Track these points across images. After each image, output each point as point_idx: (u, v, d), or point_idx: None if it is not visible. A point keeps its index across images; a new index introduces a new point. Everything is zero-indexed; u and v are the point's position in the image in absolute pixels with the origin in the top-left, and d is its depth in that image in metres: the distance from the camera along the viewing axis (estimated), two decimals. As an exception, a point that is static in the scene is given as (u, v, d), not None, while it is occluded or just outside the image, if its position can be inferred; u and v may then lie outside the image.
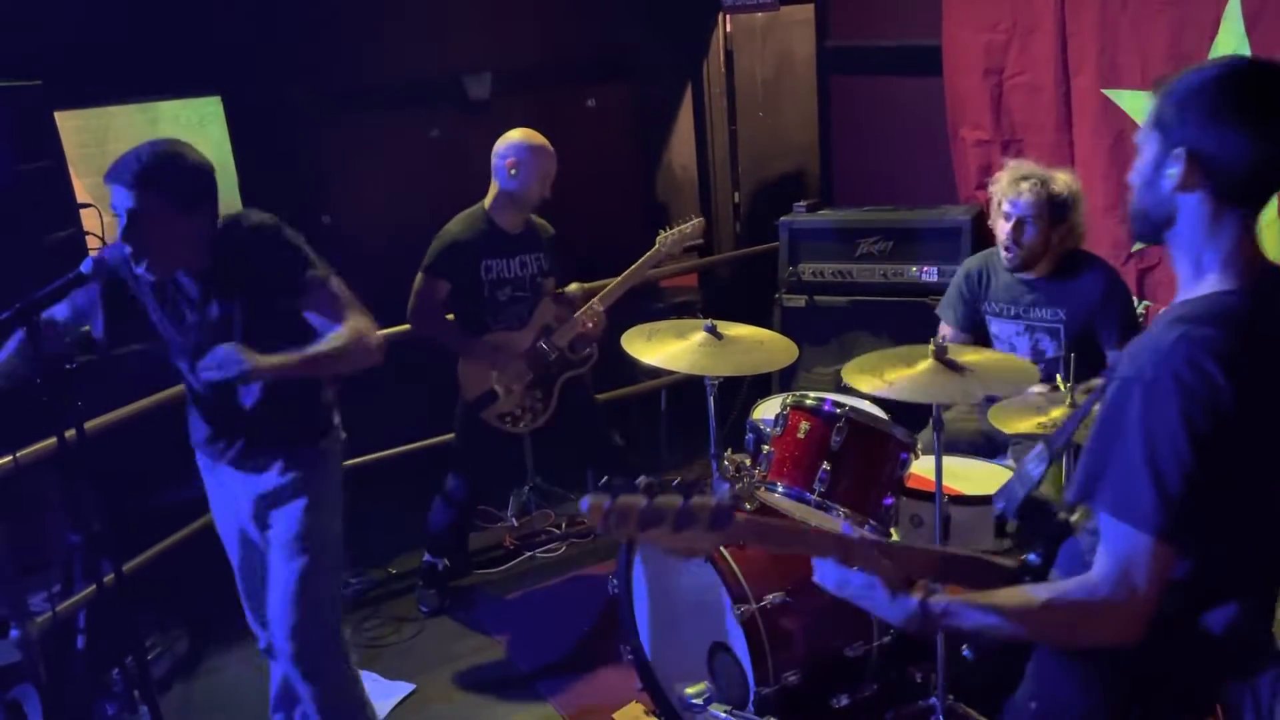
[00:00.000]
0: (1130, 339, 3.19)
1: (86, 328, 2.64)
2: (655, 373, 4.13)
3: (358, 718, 2.84)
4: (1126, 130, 3.86)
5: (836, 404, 2.76)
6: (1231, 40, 3.40)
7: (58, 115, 3.54)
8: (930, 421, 2.71)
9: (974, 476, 3.06)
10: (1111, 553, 1.41)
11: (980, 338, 3.46)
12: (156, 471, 3.60)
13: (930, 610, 1.50)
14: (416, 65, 4.85)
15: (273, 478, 2.65)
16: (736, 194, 5.87)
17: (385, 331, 2.75)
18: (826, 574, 1.57)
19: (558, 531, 4.47)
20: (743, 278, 5.58)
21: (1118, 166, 3.91)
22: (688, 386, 4.64)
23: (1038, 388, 2.82)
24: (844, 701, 2.77)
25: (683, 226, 3.90)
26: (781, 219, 4.68)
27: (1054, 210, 3.21)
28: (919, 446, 2.80)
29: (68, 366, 2.31)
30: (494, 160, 3.69)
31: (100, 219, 3.84)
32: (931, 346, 2.69)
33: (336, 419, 2.78)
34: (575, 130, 4.51)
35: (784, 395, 3.05)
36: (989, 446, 3.31)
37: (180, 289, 2.52)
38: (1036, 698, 1.68)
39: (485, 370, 3.76)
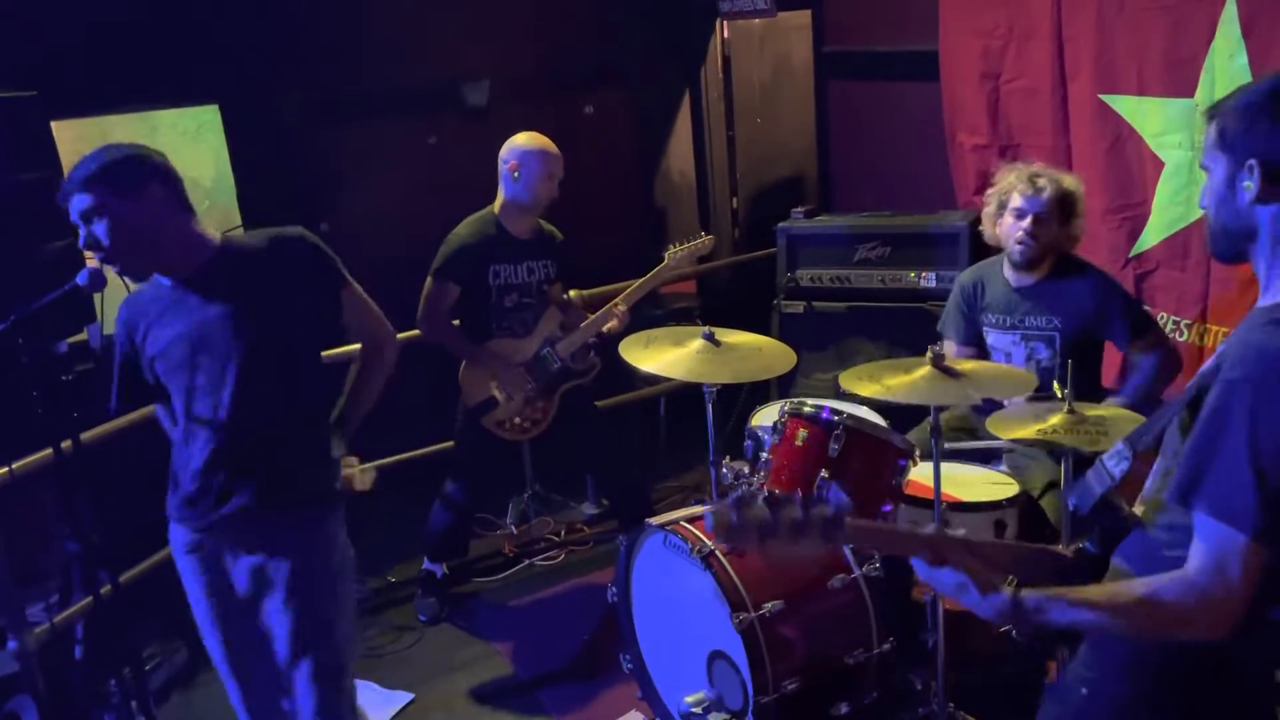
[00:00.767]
0: (1143, 329, 3.23)
1: (83, 336, 2.64)
2: (653, 380, 4.13)
3: None
4: (1123, 135, 3.85)
5: (834, 411, 2.76)
6: (1228, 45, 3.39)
7: (54, 125, 3.52)
8: (923, 421, 2.71)
9: (972, 483, 3.06)
10: (1209, 551, 1.44)
11: (983, 354, 3.44)
12: (153, 482, 3.59)
13: (1024, 605, 1.51)
14: (415, 72, 4.85)
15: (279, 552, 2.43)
16: (735, 200, 5.87)
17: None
18: (921, 573, 1.59)
19: (557, 539, 4.47)
20: (741, 284, 5.58)
21: (1115, 171, 3.91)
22: (686, 393, 4.64)
23: (1019, 399, 2.85)
24: (844, 709, 2.77)
25: (693, 243, 3.89)
26: (779, 225, 4.69)
27: (1065, 208, 3.23)
28: (917, 453, 2.79)
29: (64, 378, 2.30)
30: (499, 164, 3.68)
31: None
32: (929, 354, 2.70)
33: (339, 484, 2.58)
34: (573, 137, 4.48)
35: (783, 402, 3.05)
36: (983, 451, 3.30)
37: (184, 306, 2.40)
38: (1087, 683, 1.70)
39: (487, 376, 3.76)
